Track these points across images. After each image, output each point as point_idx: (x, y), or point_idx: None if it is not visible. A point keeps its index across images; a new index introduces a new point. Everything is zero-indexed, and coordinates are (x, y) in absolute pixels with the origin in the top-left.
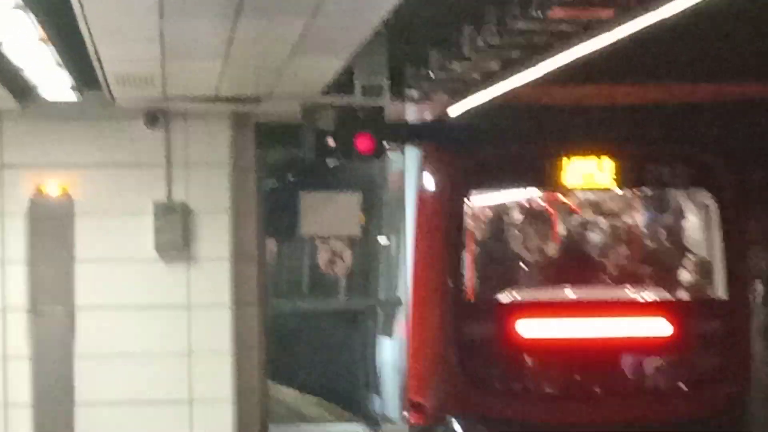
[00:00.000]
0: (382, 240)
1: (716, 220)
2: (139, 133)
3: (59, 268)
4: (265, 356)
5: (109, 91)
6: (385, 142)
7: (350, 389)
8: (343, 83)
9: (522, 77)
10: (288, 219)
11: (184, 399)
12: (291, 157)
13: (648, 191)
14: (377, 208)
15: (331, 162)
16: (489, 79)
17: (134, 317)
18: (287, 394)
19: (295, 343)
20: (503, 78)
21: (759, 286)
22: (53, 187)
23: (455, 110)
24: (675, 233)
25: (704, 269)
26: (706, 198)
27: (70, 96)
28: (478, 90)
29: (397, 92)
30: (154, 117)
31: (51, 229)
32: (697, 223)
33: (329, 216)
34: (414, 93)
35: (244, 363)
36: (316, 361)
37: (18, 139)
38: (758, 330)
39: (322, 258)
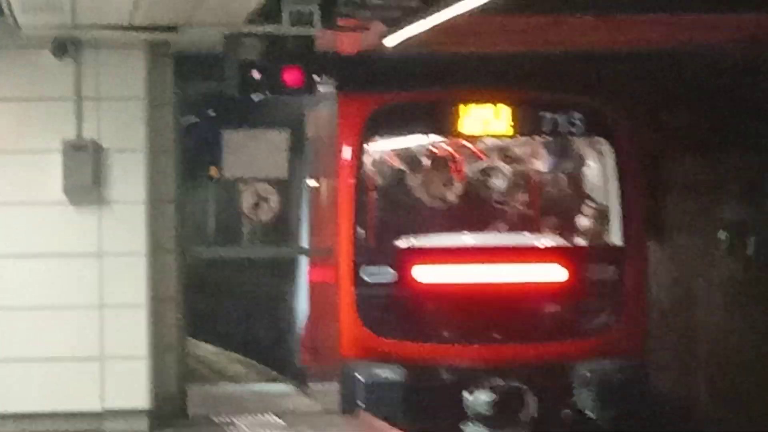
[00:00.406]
0: (311, 183)
1: (612, 167)
2: (47, 64)
3: None
4: (183, 309)
5: (13, 17)
6: (315, 76)
7: (275, 345)
8: (269, 10)
9: (461, 5)
10: (209, 159)
11: (94, 356)
12: (213, 92)
13: (548, 138)
14: (306, 148)
15: (256, 97)
16: (427, 6)
17: (40, 266)
18: (207, 350)
19: (216, 295)
20: (442, 5)
21: (722, 235)
22: None
23: (391, 41)
24: (575, 180)
25: (602, 216)
26: (603, 145)
27: None
28: (415, 18)
29: (328, 21)
30: (63, 46)
31: None
32: (596, 170)
33: (254, 156)
34: (346, 21)
35: (160, 317)
36: (239, 315)
37: None
38: (722, 280)
39: (246, 202)
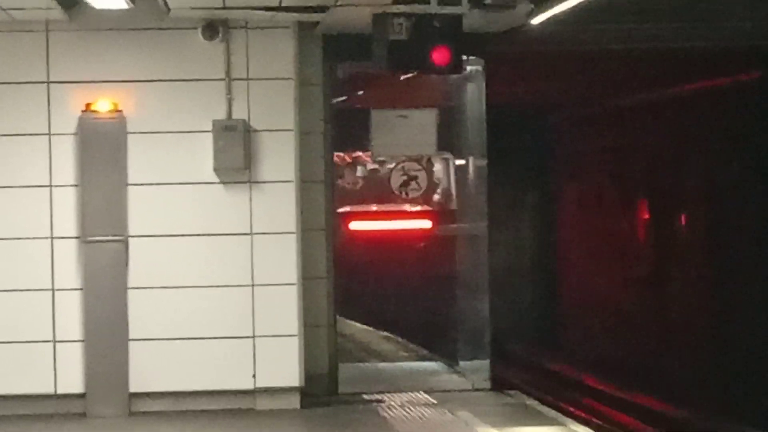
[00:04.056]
0: (460, 161)
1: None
2: (197, 46)
3: (111, 192)
4: (333, 288)
5: (164, 0)
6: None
7: (426, 324)
8: None
9: None
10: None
11: (246, 334)
12: (361, 71)
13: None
14: (454, 127)
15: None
16: None
17: (192, 246)
18: (357, 329)
19: (366, 274)
20: None
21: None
22: (104, 104)
23: (538, 19)
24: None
25: (446, 193)
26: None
27: (121, 4)
28: None
29: (476, 0)
30: (213, 28)
31: (101, 150)
32: (441, 170)
33: (402, 135)
34: (494, 0)
35: (311, 295)
36: (389, 294)
37: (66, 52)
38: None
39: (395, 181)
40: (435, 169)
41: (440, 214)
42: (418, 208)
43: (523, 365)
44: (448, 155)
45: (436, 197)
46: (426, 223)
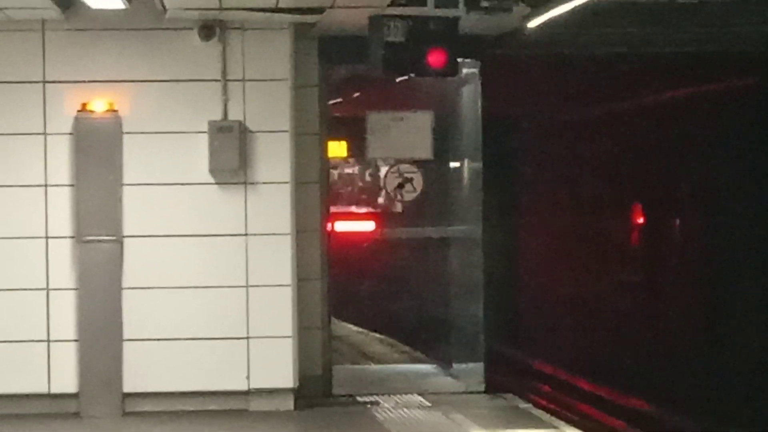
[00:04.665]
0: (454, 164)
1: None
2: (193, 46)
3: (106, 192)
4: (328, 289)
5: (161, 0)
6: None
7: (419, 326)
8: None
9: None
10: (354, 140)
11: (240, 335)
12: (357, 74)
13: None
14: (450, 130)
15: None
16: None
17: (186, 246)
18: (350, 330)
19: (360, 275)
20: None
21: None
22: (99, 104)
23: (533, 23)
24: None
25: (388, 197)
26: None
27: (117, 4)
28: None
29: (473, 3)
30: (209, 28)
31: (97, 150)
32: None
33: (398, 137)
34: (491, 3)
35: (305, 297)
36: (384, 296)
37: (61, 52)
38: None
39: (390, 183)
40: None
41: (384, 217)
42: (364, 210)
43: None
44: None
45: (380, 200)
46: (369, 225)
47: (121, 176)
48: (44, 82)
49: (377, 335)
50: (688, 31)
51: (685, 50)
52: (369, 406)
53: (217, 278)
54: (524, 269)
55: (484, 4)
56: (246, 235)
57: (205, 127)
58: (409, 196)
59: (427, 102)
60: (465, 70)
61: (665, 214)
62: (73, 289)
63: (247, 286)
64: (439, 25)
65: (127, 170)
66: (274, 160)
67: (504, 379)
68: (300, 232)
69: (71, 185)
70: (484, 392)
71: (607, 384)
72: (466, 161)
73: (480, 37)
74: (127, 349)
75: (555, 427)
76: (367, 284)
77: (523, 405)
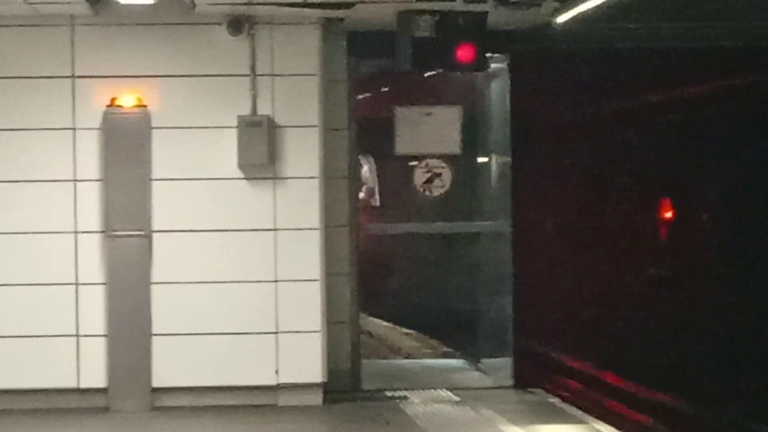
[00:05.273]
0: (483, 159)
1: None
2: (222, 41)
3: (135, 187)
4: (356, 284)
5: None
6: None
7: (448, 320)
8: None
9: None
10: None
11: (269, 330)
12: (386, 68)
13: None
14: (479, 125)
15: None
16: None
17: (215, 241)
18: (379, 325)
19: (389, 270)
20: None
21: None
22: (128, 99)
23: (563, 17)
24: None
25: (369, 192)
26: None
27: None
28: None
29: None
30: (238, 23)
31: (126, 145)
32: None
33: (427, 132)
34: None
35: (334, 291)
36: (412, 291)
37: (91, 47)
38: None
39: (418, 178)
40: (362, 170)
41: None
42: None
43: None
44: (370, 157)
45: (360, 195)
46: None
47: (149, 171)
48: (73, 77)
49: (405, 330)
50: (719, 26)
51: (716, 45)
52: (398, 400)
53: (246, 273)
54: (553, 264)
55: None
56: (275, 230)
57: (233, 122)
58: (437, 191)
59: (456, 97)
60: (494, 65)
61: (694, 208)
62: (102, 283)
63: (276, 281)
64: (467, 20)
65: (155, 165)
66: (303, 154)
67: (533, 374)
68: (329, 227)
69: (100, 180)
70: (513, 387)
71: (636, 380)
72: (494, 156)
73: (509, 32)
74: (156, 343)
75: (585, 423)
76: (395, 279)
77: (552, 400)
